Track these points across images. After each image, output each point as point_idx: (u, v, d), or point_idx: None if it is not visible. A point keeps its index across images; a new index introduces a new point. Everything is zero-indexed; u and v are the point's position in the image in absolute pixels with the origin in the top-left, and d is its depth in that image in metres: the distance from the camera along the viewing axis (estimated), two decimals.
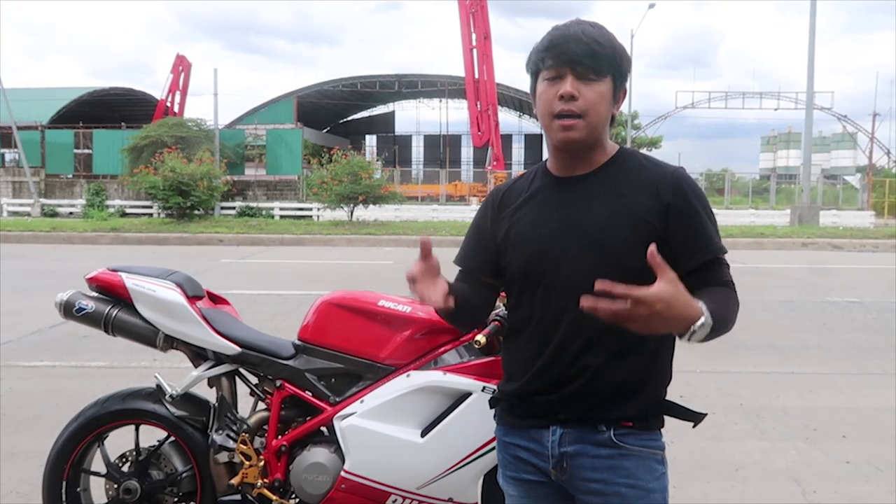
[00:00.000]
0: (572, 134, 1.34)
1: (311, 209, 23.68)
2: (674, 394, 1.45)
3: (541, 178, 1.48)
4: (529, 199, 1.46)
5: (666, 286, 1.14)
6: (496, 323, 2.16)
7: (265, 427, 2.35)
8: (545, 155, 1.61)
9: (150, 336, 2.36)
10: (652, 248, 1.17)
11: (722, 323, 1.25)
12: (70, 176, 28.95)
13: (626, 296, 1.12)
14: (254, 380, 2.42)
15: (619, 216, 1.35)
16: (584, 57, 1.32)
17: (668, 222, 1.35)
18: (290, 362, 2.32)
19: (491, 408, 1.58)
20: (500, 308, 2.25)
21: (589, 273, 1.30)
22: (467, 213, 23.47)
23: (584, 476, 1.39)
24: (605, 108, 1.36)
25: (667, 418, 1.46)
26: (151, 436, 2.44)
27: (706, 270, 1.36)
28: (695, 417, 1.48)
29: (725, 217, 21.63)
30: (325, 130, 45.44)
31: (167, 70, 31.28)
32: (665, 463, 1.44)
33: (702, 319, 1.18)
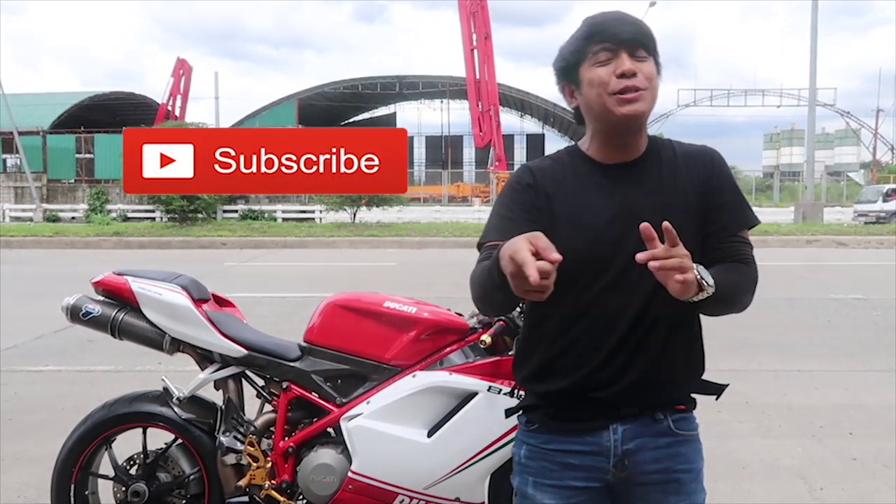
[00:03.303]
0: (638, 105, 1.31)
1: (313, 211, 23.72)
2: None
3: (582, 163, 1.42)
4: (575, 182, 1.39)
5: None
6: (501, 323, 2.17)
7: (272, 429, 2.36)
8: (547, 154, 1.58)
9: (156, 339, 2.37)
10: (665, 224, 1.17)
11: (729, 297, 1.31)
12: (72, 181, 29.01)
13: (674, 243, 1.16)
14: (260, 382, 2.43)
15: (670, 204, 1.36)
16: (636, 36, 1.33)
17: (707, 199, 1.40)
18: (296, 364, 2.33)
19: (514, 413, 1.51)
20: None
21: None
22: (470, 213, 23.46)
23: (646, 469, 1.39)
24: (657, 84, 1.36)
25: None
26: (159, 439, 2.45)
27: (731, 244, 1.40)
28: (717, 389, 1.52)
29: None
30: None
31: (155, 76, 31.49)
32: (700, 440, 1.49)
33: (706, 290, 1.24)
